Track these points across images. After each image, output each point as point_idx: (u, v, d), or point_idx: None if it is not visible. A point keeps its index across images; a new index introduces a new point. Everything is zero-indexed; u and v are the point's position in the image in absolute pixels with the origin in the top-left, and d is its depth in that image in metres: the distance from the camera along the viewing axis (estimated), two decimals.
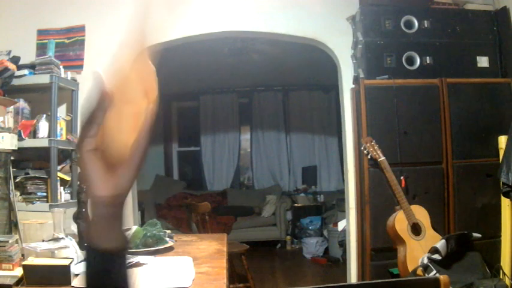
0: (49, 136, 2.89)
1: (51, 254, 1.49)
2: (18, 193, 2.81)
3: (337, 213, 5.41)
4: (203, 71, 6.03)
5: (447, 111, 3.01)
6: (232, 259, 3.65)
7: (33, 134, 2.92)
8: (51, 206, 2.71)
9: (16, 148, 2.66)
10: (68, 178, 3.04)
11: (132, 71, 0.50)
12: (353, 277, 3.24)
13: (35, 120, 2.93)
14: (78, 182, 1.78)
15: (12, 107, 2.82)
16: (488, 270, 2.58)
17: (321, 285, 0.94)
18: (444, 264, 2.47)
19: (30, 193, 2.85)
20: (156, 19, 0.51)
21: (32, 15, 3.28)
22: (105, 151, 0.51)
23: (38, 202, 2.84)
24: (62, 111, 3.15)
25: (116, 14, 3.31)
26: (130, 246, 0.50)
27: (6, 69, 2.77)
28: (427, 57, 3.09)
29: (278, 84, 7.09)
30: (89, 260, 0.55)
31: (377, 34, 3.09)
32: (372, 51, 3.08)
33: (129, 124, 0.51)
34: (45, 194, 2.87)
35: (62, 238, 1.64)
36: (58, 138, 2.93)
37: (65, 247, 1.56)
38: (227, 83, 6.92)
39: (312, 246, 5.61)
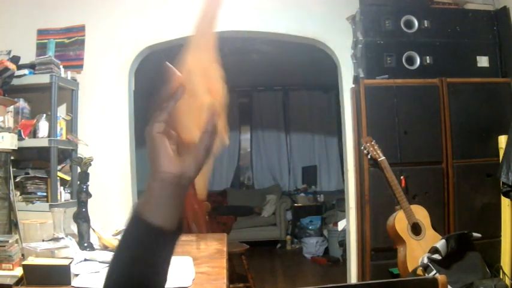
0: (49, 136, 2.89)
1: (51, 253, 1.49)
2: (18, 193, 2.81)
3: (337, 213, 5.41)
4: None
5: (447, 111, 3.01)
6: (232, 259, 3.65)
7: (33, 134, 2.92)
8: (51, 206, 2.71)
9: (16, 148, 2.66)
10: (68, 178, 3.04)
11: (196, 67, 0.56)
12: (353, 277, 3.24)
13: (35, 120, 2.92)
14: (78, 182, 1.78)
15: (12, 106, 2.82)
16: (488, 270, 2.58)
17: (321, 286, 0.94)
18: (444, 264, 2.47)
19: (30, 193, 2.85)
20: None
21: (32, 15, 3.28)
22: (174, 135, 0.56)
23: (38, 202, 2.84)
24: (62, 111, 3.15)
25: (116, 14, 3.31)
26: (182, 232, 0.52)
27: (6, 69, 2.77)
28: (427, 57, 3.09)
29: (278, 84, 7.08)
30: (133, 234, 0.55)
31: (377, 34, 3.09)
32: (372, 51, 3.08)
33: (194, 116, 0.56)
34: (45, 194, 2.87)
35: (62, 238, 1.64)
36: (58, 138, 2.93)
37: (65, 247, 1.56)
38: (227, 83, 6.90)
39: (312, 246, 5.60)
